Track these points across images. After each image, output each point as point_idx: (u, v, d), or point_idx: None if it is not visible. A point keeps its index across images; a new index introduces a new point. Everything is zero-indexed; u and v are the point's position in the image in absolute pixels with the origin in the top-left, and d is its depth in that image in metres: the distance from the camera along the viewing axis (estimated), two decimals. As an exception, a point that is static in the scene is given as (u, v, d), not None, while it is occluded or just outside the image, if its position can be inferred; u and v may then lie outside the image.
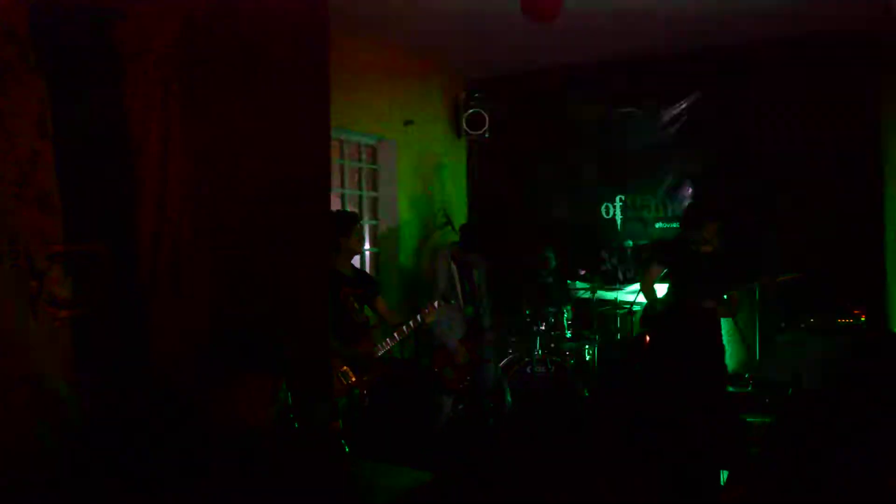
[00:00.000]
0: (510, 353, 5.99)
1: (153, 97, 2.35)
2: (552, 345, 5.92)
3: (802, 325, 5.67)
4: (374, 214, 6.90)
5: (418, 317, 4.85)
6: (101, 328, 2.21)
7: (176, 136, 2.40)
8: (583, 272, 6.75)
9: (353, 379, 4.35)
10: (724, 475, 4.30)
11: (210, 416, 1.94)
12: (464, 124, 7.35)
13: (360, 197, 6.73)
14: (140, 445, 2.16)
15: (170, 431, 2.17)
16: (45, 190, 2.07)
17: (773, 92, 6.28)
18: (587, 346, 6.07)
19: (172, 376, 2.38)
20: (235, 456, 1.87)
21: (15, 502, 1.96)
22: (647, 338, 5.50)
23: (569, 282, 6.52)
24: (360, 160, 6.74)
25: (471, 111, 7.31)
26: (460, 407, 5.44)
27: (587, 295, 6.42)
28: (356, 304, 4.62)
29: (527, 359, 5.77)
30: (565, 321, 6.18)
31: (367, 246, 6.78)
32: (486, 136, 7.39)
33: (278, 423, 2.05)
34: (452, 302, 5.33)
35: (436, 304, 4.90)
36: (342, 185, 6.46)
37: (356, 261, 6.56)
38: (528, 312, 5.92)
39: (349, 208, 6.48)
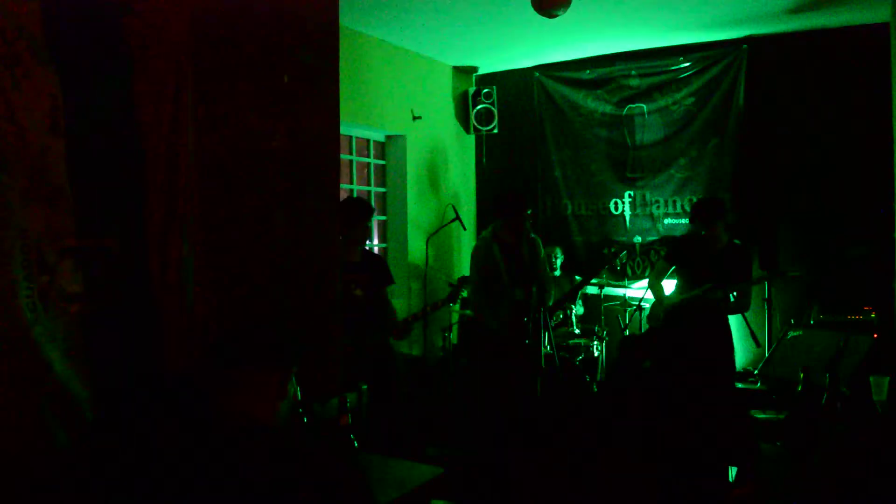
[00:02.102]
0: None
1: (164, 92, 2.36)
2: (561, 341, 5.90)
3: (812, 322, 5.64)
4: (383, 210, 6.91)
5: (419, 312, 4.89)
6: (111, 323, 2.22)
7: (186, 131, 2.41)
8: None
9: None
10: (732, 472, 4.29)
11: (219, 410, 1.94)
12: (473, 120, 7.36)
13: (370, 193, 6.73)
14: (150, 441, 2.17)
15: (179, 427, 2.18)
16: (56, 185, 2.07)
17: (787, 86, 6.25)
18: (595, 343, 6.06)
19: (182, 371, 2.39)
20: (245, 451, 1.87)
21: (27, 500, 1.97)
22: (655, 334, 5.47)
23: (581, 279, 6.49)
24: (369, 156, 6.75)
25: (480, 106, 7.32)
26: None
27: (595, 291, 6.41)
28: (358, 291, 4.56)
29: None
30: (573, 317, 6.17)
31: (375, 241, 6.78)
32: (495, 131, 7.39)
33: (288, 418, 2.05)
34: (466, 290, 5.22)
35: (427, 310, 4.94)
36: (351, 181, 6.46)
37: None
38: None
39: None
